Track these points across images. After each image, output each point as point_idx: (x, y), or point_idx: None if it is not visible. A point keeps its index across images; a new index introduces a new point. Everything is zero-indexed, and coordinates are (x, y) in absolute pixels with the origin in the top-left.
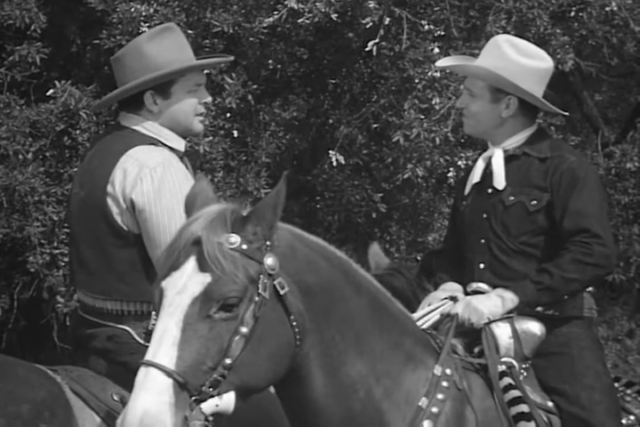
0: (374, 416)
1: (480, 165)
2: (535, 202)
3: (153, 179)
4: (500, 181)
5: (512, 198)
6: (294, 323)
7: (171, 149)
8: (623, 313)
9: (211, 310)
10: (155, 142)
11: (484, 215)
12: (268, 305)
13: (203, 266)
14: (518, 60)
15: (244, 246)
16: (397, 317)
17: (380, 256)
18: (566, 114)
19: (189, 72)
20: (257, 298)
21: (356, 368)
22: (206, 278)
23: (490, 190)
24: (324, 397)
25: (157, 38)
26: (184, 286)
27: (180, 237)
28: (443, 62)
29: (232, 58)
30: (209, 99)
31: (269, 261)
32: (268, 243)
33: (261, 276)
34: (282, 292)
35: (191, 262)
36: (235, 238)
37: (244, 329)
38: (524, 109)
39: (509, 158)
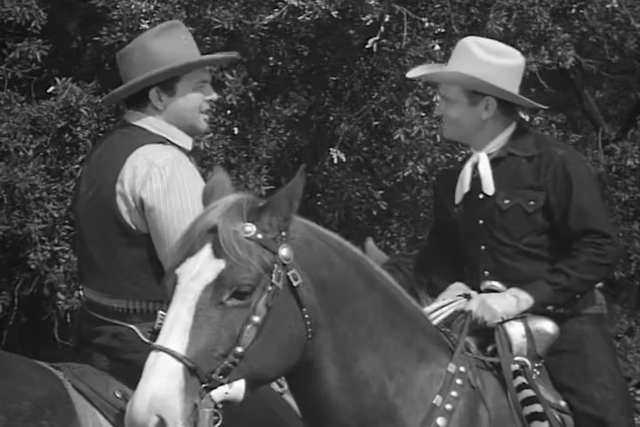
0: (387, 412)
1: (468, 172)
2: (532, 202)
3: (162, 177)
4: (488, 186)
5: (507, 202)
6: (306, 316)
7: (178, 147)
8: (623, 311)
9: (223, 296)
10: (163, 141)
11: (480, 221)
12: (281, 296)
13: (217, 253)
14: (489, 59)
15: (260, 236)
16: (411, 314)
17: (377, 252)
18: (546, 108)
19: (195, 68)
20: (270, 288)
21: (369, 364)
22: (220, 265)
23: (481, 196)
24: (336, 391)
25: (163, 35)
26: (198, 272)
27: (196, 225)
28: (414, 73)
29: (236, 54)
30: (214, 96)
31: (284, 251)
32: (283, 234)
33: (275, 265)
34: (295, 283)
35: (206, 249)
36: (250, 227)
37: (255, 318)
38: (503, 109)
39: (495, 161)
